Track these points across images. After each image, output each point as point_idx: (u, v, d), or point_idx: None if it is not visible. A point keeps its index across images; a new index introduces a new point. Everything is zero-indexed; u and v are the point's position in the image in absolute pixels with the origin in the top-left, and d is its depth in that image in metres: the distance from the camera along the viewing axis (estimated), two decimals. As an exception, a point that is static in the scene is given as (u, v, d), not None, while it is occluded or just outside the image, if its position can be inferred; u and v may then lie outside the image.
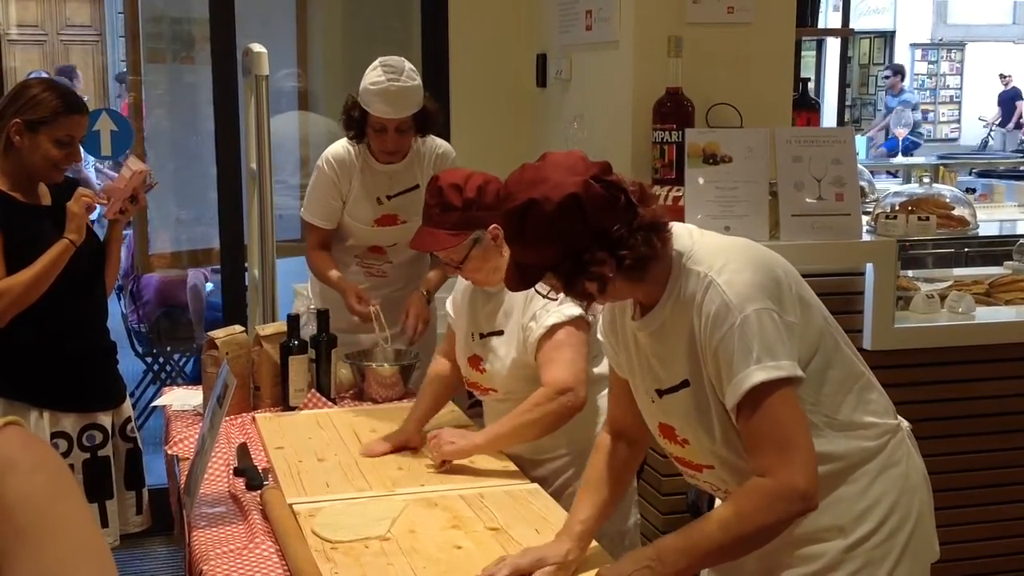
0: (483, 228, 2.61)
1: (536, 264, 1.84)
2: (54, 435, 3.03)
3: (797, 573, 1.91)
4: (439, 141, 3.57)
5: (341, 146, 3.51)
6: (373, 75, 3.32)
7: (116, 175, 3.21)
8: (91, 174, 7.03)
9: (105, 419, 3.15)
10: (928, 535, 2.00)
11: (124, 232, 3.59)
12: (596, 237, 1.79)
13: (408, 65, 3.35)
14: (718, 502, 2.05)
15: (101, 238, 3.21)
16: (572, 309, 2.49)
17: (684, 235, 1.90)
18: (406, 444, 2.75)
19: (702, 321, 1.81)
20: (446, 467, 2.59)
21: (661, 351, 1.92)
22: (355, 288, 3.43)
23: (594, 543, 2.12)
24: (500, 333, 2.66)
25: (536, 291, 1.94)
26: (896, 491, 1.93)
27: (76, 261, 3.00)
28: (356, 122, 3.41)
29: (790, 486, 1.74)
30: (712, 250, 1.87)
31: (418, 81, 3.37)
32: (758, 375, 1.74)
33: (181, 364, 6.06)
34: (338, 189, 3.49)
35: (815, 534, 1.90)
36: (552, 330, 2.51)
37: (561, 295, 1.93)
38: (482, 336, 2.70)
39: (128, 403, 3.31)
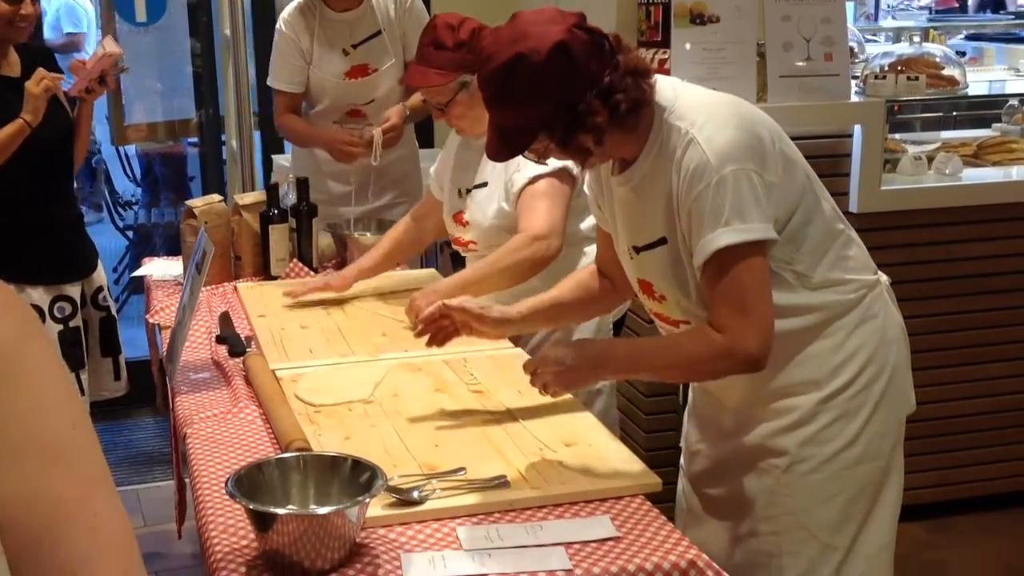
0: (472, 73, 2.55)
1: (526, 125, 1.78)
2: None
3: (772, 426, 1.91)
4: None
5: (294, 5, 3.51)
6: None
7: None
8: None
9: (73, 290, 3.13)
10: (904, 387, 2.00)
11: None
12: (588, 85, 1.74)
13: None
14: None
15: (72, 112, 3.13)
16: (557, 160, 2.45)
17: (667, 89, 1.85)
18: (325, 287, 2.81)
19: (680, 177, 1.78)
20: (424, 330, 2.31)
21: (639, 207, 1.89)
22: (339, 133, 3.42)
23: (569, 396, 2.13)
24: (484, 185, 2.63)
25: (524, 158, 1.88)
26: (873, 344, 1.92)
27: (41, 134, 2.93)
28: None
29: (742, 347, 1.76)
30: (695, 105, 1.82)
31: None
32: (726, 237, 1.73)
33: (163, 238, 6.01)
34: (298, 47, 3.47)
35: (789, 388, 1.90)
36: (534, 180, 2.47)
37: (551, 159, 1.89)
38: (468, 191, 2.68)
39: (100, 272, 3.28)
